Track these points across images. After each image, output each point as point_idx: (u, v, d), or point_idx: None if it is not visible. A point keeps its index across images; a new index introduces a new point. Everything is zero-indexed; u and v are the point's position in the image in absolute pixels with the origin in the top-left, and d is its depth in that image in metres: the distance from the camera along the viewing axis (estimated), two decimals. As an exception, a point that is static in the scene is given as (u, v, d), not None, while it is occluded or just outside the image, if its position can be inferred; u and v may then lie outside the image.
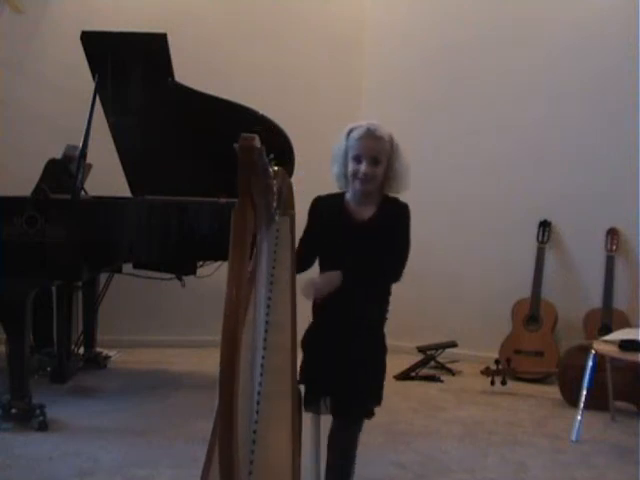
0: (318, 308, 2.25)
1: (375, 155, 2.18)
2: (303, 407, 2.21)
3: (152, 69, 3.75)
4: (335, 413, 2.22)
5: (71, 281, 3.77)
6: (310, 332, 2.28)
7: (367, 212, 2.24)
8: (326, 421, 2.56)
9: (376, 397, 2.23)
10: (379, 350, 2.26)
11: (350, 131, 2.24)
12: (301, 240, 2.31)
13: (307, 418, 2.38)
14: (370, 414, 2.23)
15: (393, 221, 2.22)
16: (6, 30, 4.74)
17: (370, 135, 2.18)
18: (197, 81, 3.80)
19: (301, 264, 2.27)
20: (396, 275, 2.23)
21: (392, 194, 2.26)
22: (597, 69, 4.56)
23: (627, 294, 4.45)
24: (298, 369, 2.18)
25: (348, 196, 2.28)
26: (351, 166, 2.21)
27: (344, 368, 2.17)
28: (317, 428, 2.42)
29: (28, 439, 3.06)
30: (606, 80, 4.52)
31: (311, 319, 2.30)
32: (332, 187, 2.33)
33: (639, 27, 4.25)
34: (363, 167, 2.17)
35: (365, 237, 2.20)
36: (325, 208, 2.30)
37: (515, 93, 4.81)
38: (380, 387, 2.24)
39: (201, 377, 4.22)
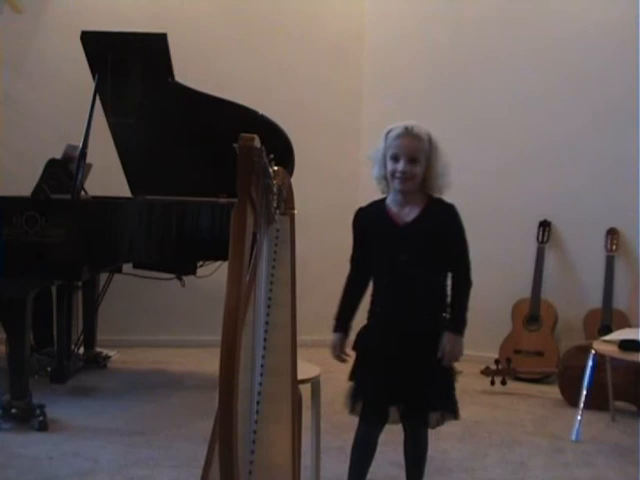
0: (378, 312, 2.28)
1: (413, 154, 2.17)
2: (365, 416, 2.25)
3: (152, 69, 3.75)
4: (410, 422, 2.27)
5: (71, 281, 3.77)
6: (367, 335, 2.29)
7: (411, 214, 2.22)
8: (326, 421, 2.56)
9: (451, 401, 2.27)
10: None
11: (388, 132, 2.23)
12: (352, 257, 2.32)
13: (307, 418, 2.38)
14: (454, 412, 2.26)
15: (440, 223, 2.22)
16: (6, 30, 4.74)
17: (408, 134, 2.18)
18: (197, 81, 3.81)
19: (358, 281, 2.32)
20: (471, 284, 2.28)
21: (435, 194, 2.25)
22: (597, 69, 4.55)
23: (627, 294, 4.45)
24: (351, 369, 2.26)
25: (389, 200, 2.27)
26: (389, 165, 2.20)
27: (415, 374, 2.20)
28: (317, 428, 2.42)
29: (28, 439, 3.06)
30: (606, 80, 4.52)
31: (366, 320, 2.32)
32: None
33: (639, 27, 4.25)
34: (401, 166, 2.16)
35: (412, 238, 2.20)
36: (367, 217, 2.29)
37: (515, 93, 4.80)
38: (452, 388, 2.28)
39: (201, 377, 4.22)
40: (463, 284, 2.26)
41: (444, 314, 2.28)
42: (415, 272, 2.19)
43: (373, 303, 2.30)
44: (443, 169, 2.21)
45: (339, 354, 2.30)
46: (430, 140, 2.20)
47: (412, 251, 2.20)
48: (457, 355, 2.23)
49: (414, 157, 2.17)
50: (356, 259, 2.32)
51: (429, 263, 2.21)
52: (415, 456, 2.35)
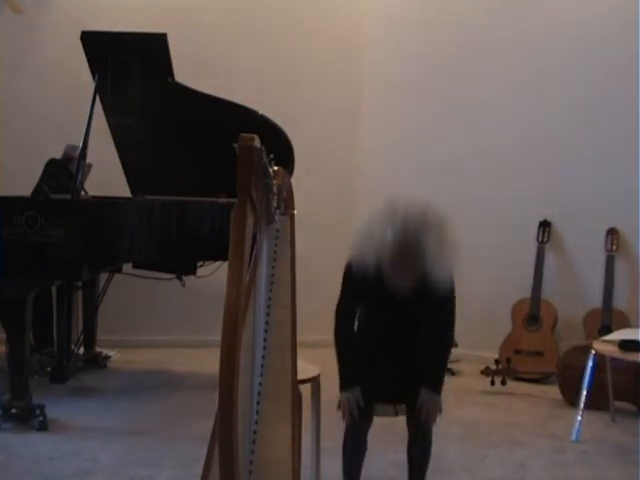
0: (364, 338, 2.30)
1: (410, 269, 2.13)
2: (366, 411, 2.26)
3: (152, 69, 3.75)
4: (416, 418, 2.27)
5: (71, 281, 3.77)
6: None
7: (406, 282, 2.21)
8: (326, 421, 2.56)
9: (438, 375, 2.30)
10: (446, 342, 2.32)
11: (388, 224, 2.08)
12: (339, 301, 2.31)
13: (307, 418, 2.38)
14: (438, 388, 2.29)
15: (434, 288, 2.14)
16: (6, 30, 4.74)
17: (404, 252, 2.07)
18: (197, 81, 3.81)
19: (341, 327, 2.31)
20: (452, 342, 2.33)
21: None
22: (597, 69, 4.55)
23: (627, 294, 4.45)
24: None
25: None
26: (387, 266, 2.13)
27: (409, 372, 2.23)
28: (317, 428, 2.42)
29: (28, 439, 3.06)
30: (606, 80, 4.52)
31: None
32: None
33: (639, 26, 4.25)
34: (397, 280, 2.16)
35: (404, 303, 2.21)
36: (362, 276, 2.18)
37: (515, 94, 4.80)
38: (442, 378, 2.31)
39: (201, 377, 4.22)
40: (446, 344, 2.31)
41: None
42: (406, 332, 2.24)
43: (358, 329, 2.32)
44: (443, 254, 2.10)
45: (355, 406, 2.23)
46: (428, 231, 2.06)
47: (404, 314, 2.23)
48: (434, 412, 2.24)
49: (412, 270, 2.13)
50: (346, 308, 2.31)
51: (421, 324, 2.25)
52: (420, 458, 2.35)
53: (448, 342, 2.31)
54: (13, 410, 3.16)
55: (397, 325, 2.24)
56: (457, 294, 2.32)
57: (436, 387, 2.25)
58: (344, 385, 2.26)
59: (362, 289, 2.23)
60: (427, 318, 2.23)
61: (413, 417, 2.27)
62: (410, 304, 2.21)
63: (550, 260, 4.71)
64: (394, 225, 2.05)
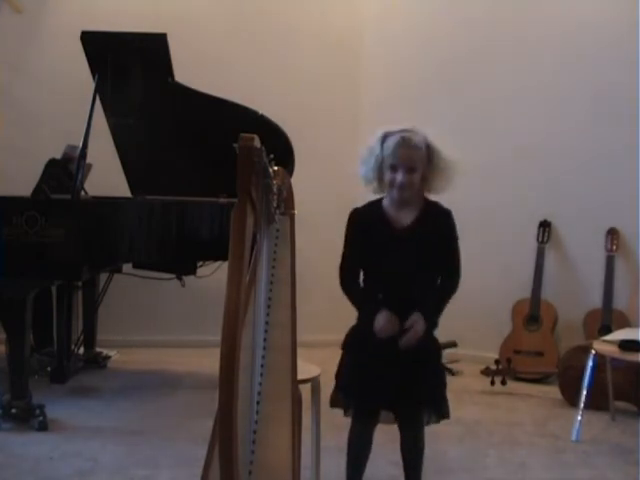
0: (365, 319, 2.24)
1: (411, 164, 2.18)
2: (357, 416, 2.25)
3: (152, 69, 3.75)
4: (405, 422, 2.27)
5: (71, 281, 3.77)
6: (356, 335, 2.29)
7: (407, 217, 2.24)
8: (326, 421, 2.57)
9: (442, 400, 2.26)
10: (435, 352, 2.29)
11: (384, 138, 2.23)
12: (344, 253, 2.30)
13: (307, 418, 2.38)
14: (446, 413, 2.26)
15: (436, 228, 2.23)
16: (6, 30, 4.74)
17: (405, 145, 2.18)
18: (197, 81, 3.80)
19: (345, 278, 2.29)
20: (455, 289, 2.28)
21: (434, 194, 2.27)
22: (597, 69, 4.55)
23: (627, 294, 4.44)
24: (336, 371, 2.25)
25: (386, 203, 2.28)
26: (387, 175, 2.21)
27: (406, 374, 2.19)
28: (317, 428, 2.42)
29: (28, 439, 3.06)
30: (606, 80, 4.51)
31: (356, 320, 2.30)
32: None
33: (639, 26, 4.25)
34: (400, 177, 2.18)
35: (408, 243, 2.21)
36: (364, 219, 2.29)
37: (515, 94, 4.80)
38: (443, 386, 2.28)
39: (201, 377, 4.22)
40: (450, 288, 2.28)
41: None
42: (410, 275, 2.19)
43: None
44: (444, 170, 2.23)
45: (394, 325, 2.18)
46: (428, 146, 2.21)
47: (408, 255, 2.20)
48: (415, 337, 2.17)
49: (412, 167, 2.18)
50: (350, 261, 2.29)
51: (424, 267, 2.21)
52: (412, 457, 2.35)
53: (452, 287, 2.28)
54: (13, 410, 3.16)
55: (401, 279, 2.20)
56: (457, 293, 2.32)
57: (427, 314, 2.19)
58: (372, 311, 2.20)
59: (364, 232, 2.24)
60: (432, 263, 2.21)
61: (404, 418, 2.25)
62: (413, 246, 2.19)
63: (550, 260, 4.71)
64: (393, 134, 2.21)
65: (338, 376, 2.29)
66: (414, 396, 2.21)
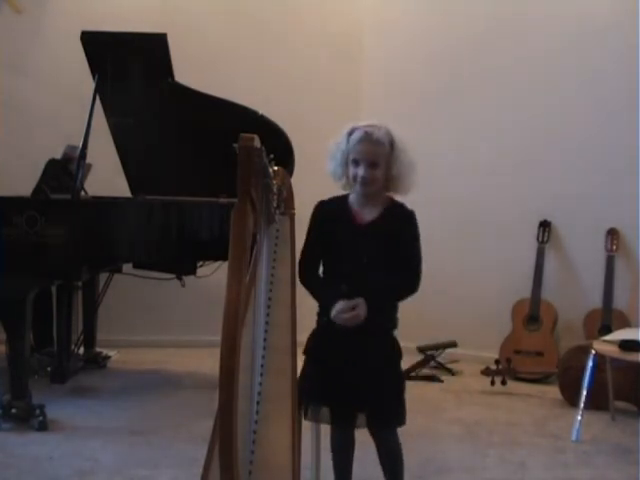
0: (324, 314, 2.19)
1: (373, 159, 2.17)
2: (335, 422, 2.20)
3: (152, 69, 3.75)
4: (376, 428, 2.22)
5: (71, 281, 3.77)
6: (316, 340, 2.24)
7: (371, 213, 2.23)
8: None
9: (401, 404, 2.22)
10: (395, 355, 2.26)
11: (350, 132, 2.23)
12: (305, 245, 2.27)
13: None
14: (402, 420, 2.22)
15: (398, 226, 2.22)
16: (6, 30, 4.74)
17: (367, 139, 2.18)
18: (197, 81, 3.80)
19: (305, 270, 2.26)
20: (413, 290, 2.23)
21: (398, 195, 2.25)
22: (597, 68, 4.55)
23: (627, 294, 4.44)
24: (299, 375, 2.18)
25: (352, 198, 2.27)
26: (351, 169, 2.20)
27: (372, 381, 2.15)
28: (318, 429, 2.42)
29: (28, 439, 3.06)
30: (605, 79, 4.51)
31: (315, 324, 2.26)
32: (332, 187, 2.32)
33: (639, 26, 4.25)
34: (361, 171, 2.17)
35: (370, 238, 2.19)
36: (328, 211, 2.28)
37: (515, 93, 4.80)
38: (402, 391, 2.24)
39: (201, 377, 4.22)
40: (403, 283, 2.23)
41: (396, 315, 2.26)
42: (371, 272, 2.17)
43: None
44: (406, 169, 2.20)
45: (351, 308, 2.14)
46: (392, 142, 2.19)
47: (370, 251, 2.18)
48: (352, 320, 2.11)
49: (374, 162, 2.17)
50: (310, 253, 2.25)
51: (385, 264, 2.19)
52: (388, 462, 2.29)
53: (406, 283, 2.23)
54: (13, 410, 3.16)
55: (360, 273, 2.17)
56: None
57: (373, 299, 2.14)
58: (329, 300, 2.16)
59: (328, 224, 2.23)
60: (392, 259, 2.19)
61: (371, 421, 2.20)
62: (374, 241, 2.18)
63: (550, 260, 4.70)
64: (358, 129, 2.22)
65: (301, 380, 2.19)
66: (376, 398, 2.17)
